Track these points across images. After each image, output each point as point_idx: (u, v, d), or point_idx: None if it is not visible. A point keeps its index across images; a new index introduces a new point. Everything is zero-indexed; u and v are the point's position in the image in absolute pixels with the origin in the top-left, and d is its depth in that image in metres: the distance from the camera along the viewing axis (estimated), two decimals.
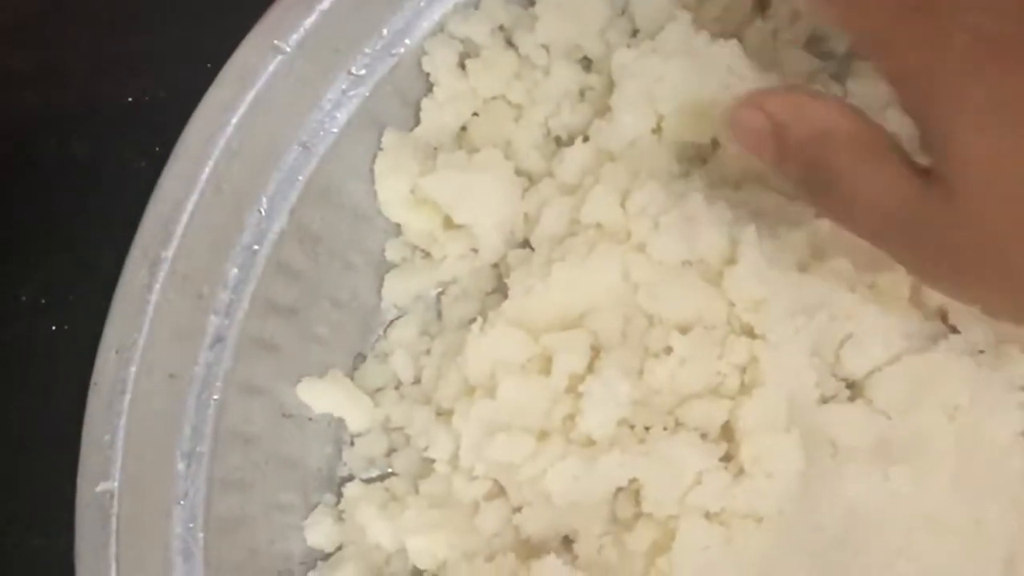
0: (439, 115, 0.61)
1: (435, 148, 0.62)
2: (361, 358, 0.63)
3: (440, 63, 0.61)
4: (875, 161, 0.45)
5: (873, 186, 0.45)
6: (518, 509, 0.56)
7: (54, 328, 0.68)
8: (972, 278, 0.44)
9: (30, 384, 0.68)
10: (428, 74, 0.61)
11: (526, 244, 0.60)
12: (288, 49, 0.57)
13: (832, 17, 0.46)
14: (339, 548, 0.61)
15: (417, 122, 0.62)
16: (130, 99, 0.70)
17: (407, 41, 0.60)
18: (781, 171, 0.48)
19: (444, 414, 0.59)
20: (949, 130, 0.42)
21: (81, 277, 0.67)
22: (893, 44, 0.43)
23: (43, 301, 0.69)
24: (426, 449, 0.58)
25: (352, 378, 0.62)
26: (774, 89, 0.51)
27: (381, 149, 0.61)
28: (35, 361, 0.69)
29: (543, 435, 0.54)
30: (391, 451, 0.61)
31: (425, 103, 0.61)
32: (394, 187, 0.61)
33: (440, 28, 0.61)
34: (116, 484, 0.55)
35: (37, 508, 0.66)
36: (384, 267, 0.64)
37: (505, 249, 0.61)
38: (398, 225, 0.63)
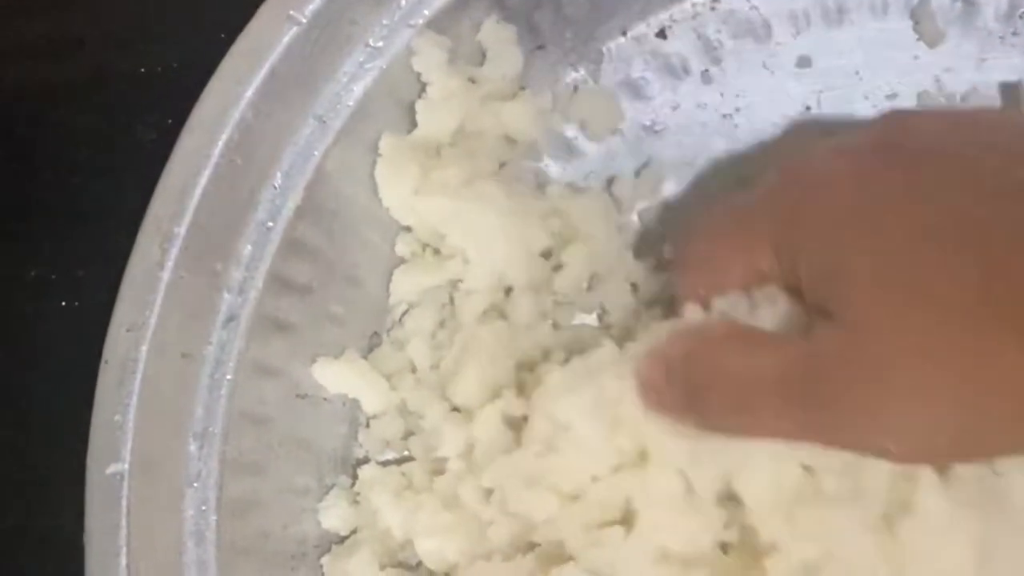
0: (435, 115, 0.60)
1: (437, 148, 0.60)
2: (377, 338, 0.62)
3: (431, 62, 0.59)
4: (754, 342, 0.47)
5: (759, 361, 0.46)
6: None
7: (63, 304, 0.67)
8: (866, 417, 0.43)
9: (39, 361, 0.67)
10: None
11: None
12: (304, 20, 0.56)
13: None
14: (354, 531, 0.60)
15: None
16: (142, 69, 0.69)
17: (425, 12, 0.58)
18: (668, 406, 0.48)
19: (460, 412, 0.58)
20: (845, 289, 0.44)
21: (91, 253, 0.66)
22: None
23: (53, 277, 0.68)
24: (437, 449, 0.57)
25: (367, 359, 0.61)
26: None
27: (380, 155, 0.59)
28: (45, 338, 0.68)
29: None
30: (408, 434, 0.60)
31: (419, 104, 0.60)
32: (397, 192, 0.60)
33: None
34: (126, 466, 0.54)
35: (45, 487, 0.65)
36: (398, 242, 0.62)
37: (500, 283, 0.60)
38: None
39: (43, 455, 0.65)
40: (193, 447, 0.55)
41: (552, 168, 0.63)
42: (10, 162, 0.69)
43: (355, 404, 0.61)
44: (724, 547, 0.51)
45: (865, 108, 0.61)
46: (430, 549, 0.56)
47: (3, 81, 0.71)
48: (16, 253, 0.68)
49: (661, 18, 0.63)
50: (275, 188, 0.57)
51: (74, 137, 0.69)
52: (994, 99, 0.60)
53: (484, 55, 0.61)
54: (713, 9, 0.62)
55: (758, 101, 0.62)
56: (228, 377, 0.56)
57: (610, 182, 0.62)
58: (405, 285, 0.61)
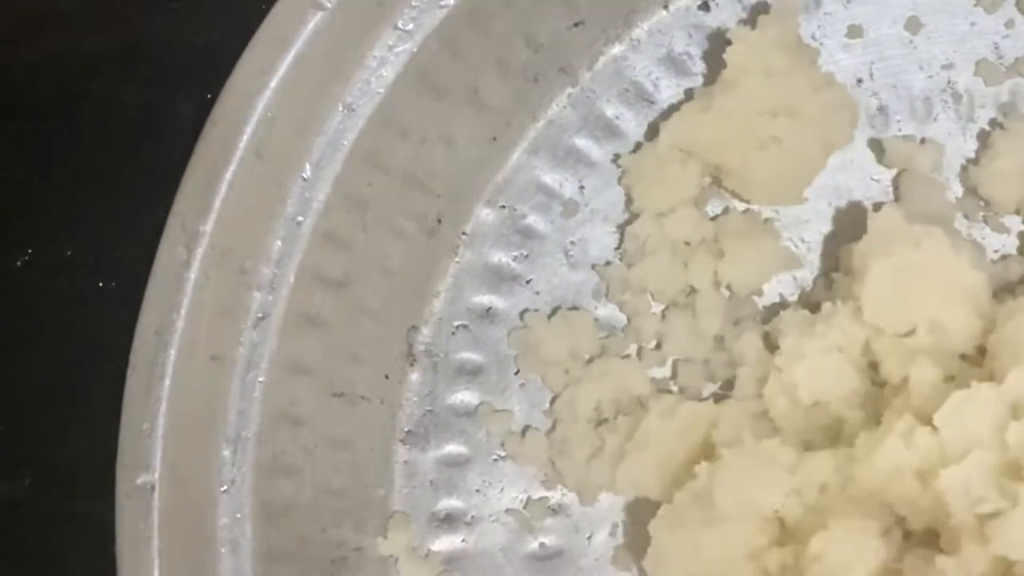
0: None
1: None
2: (415, 332, 0.60)
3: None
4: None
5: None
6: None
7: (101, 285, 0.66)
8: None
9: (75, 342, 0.66)
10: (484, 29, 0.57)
11: None
12: (328, 4, 0.53)
13: None
14: None
15: None
16: (180, 41, 0.67)
17: None
18: None
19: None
20: None
21: (130, 232, 0.63)
22: None
23: (90, 259, 0.66)
24: None
25: None
26: None
27: None
28: (81, 319, 0.66)
29: None
30: None
31: None
32: None
33: None
34: (157, 475, 0.52)
35: (80, 470, 0.63)
36: (435, 234, 0.60)
37: None
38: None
39: (78, 435, 0.63)
40: (226, 452, 0.53)
41: None
42: (48, 136, 0.67)
43: (393, 402, 0.59)
44: None
45: (920, 80, 0.58)
46: None
47: (39, 51, 0.68)
48: (52, 232, 0.66)
49: None
50: (304, 180, 0.55)
51: (110, 109, 0.67)
52: None
53: None
54: None
55: None
56: (260, 379, 0.54)
57: None
58: None
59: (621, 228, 0.60)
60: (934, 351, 0.52)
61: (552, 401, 0.60)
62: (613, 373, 0.58)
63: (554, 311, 0.60)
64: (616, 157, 0.60)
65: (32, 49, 0.68)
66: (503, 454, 0.60)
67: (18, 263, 0.66)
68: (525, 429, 0.60)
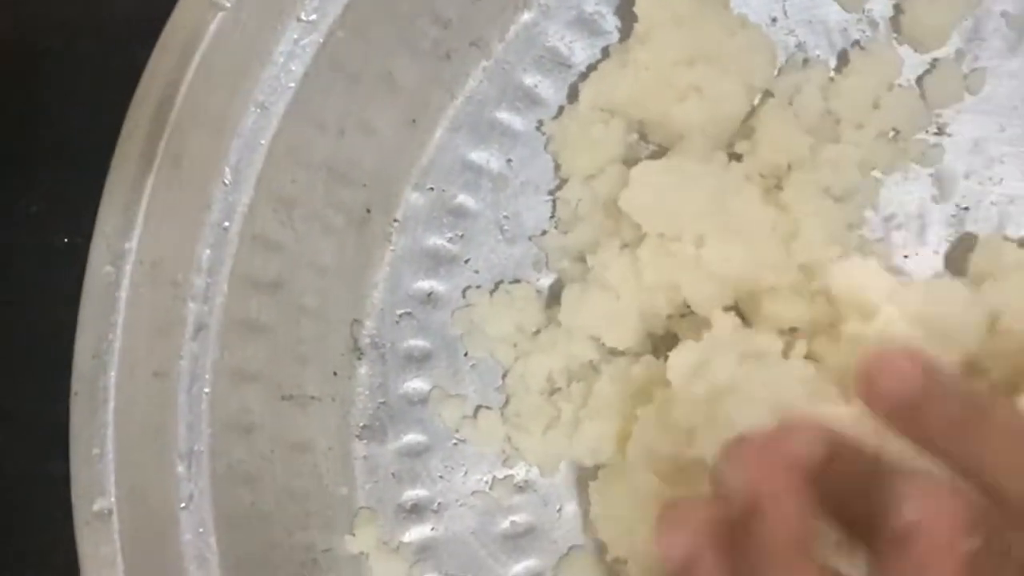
0: None
1: None
2: (359, 326, 0.59)
3: None
4: None
5: None
6: None
7: (66, 241, 0.64)
8: None
9: (40, 298, 0.64)
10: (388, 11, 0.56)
11: None
12: (228, 4, 0.52)
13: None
14: None
15: None
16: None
17: None
18: None
19: None
20: None
21: (94, 188, 0.61)
22: None
23: (53, 214, 0.64)
24: None
25: None
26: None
27: None
28: (45, 274, 0.64)
29: None
30: None
31: None
32: None
33: None
34: (113, 499, 0.51)
35: (37, 431, 0.61)
36: (366, 224, 0.59)
37: None
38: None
39: (36, 394, 0.60)
40: (180, 468, 0.53)
41: None
42: (5, 93, 0.65)
43: (345, 399, 0.59)
44: None
45: (835, 12, 0.58)
46: None
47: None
48: (17, 189, 0.65)
49: None
50: (225, 185, 0.54)
51: (71, 67, 0.65)
52: None
53: None
54: None
55: None
56: (206, 390, 0.53)
57: None
58: None
59: (554, 196, 0.59)
60: None
61: (503, 377, 0.59)
62: (561, 341, 0.57)
63: (496, 286, 0.59)
64: (540, 124, 0.60)
65: None
66: (462, 438, 0.59)
67: None
68: (477, 410, 0.59)
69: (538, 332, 0.58)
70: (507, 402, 0.59)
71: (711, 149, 0.54)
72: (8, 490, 0.63)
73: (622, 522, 0.54)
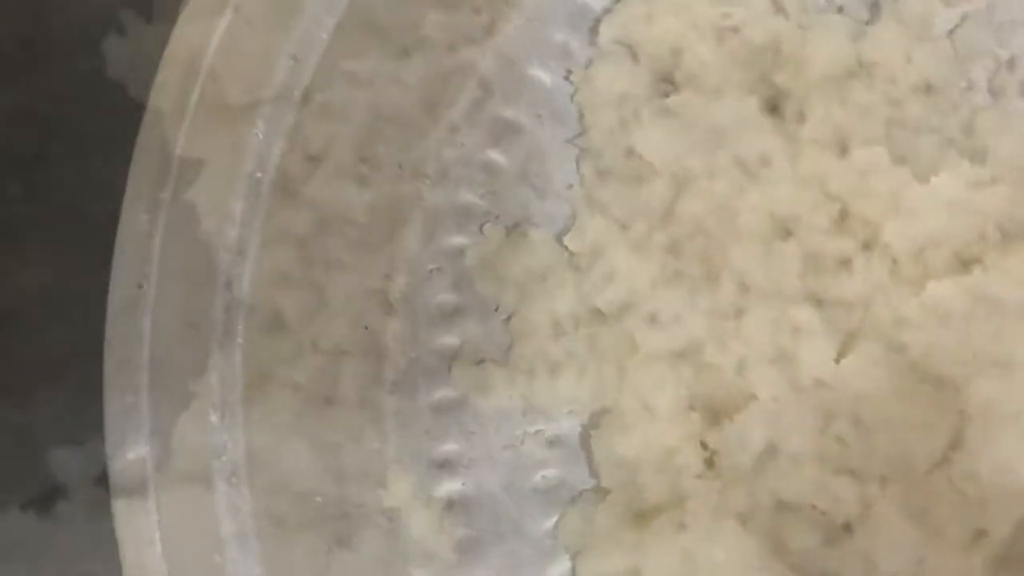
0: None
1: None
2: (390, 279, 0.59)
3: None
4: None
5: None
6: None
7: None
8: None
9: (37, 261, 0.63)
10: None
11: None
12: None
13: None
14: None
15: None
16: None
17: None
18: None
19: None
20: None
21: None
22: None
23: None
24: None
25: None
26: None
27: None
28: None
29: None
30: None
31: None
32: None
33: None
34: (148, 448, 0.52)
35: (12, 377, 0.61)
36: (398, 179, 0.59)
37: None
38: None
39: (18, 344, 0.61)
40: (214, 418, 0.53)
41: None
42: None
43: (377, 354, 0.58)
44: None
45: None
46: None
47: None
48: None
49: None
50: (259, 137, 0.54)
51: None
52: None
53: None
54: None
55: None
56: (239, 340, 0.53)
57: None
58: None
59: (581, 148, 0.59)
60: None
61: (507, 320, 0.59)
62: (570, 286, 0.57)
63: (515, 225, 0.60)
64: (568, 73, 0.60)
65: None
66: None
67: None
68: (480, 362, 0.59)
69: (547, 278, 0.58)
70: (511, 345, 0.59)
71: (741, 93, 0.54)
72: None
73: (624, 467, 0.54)
